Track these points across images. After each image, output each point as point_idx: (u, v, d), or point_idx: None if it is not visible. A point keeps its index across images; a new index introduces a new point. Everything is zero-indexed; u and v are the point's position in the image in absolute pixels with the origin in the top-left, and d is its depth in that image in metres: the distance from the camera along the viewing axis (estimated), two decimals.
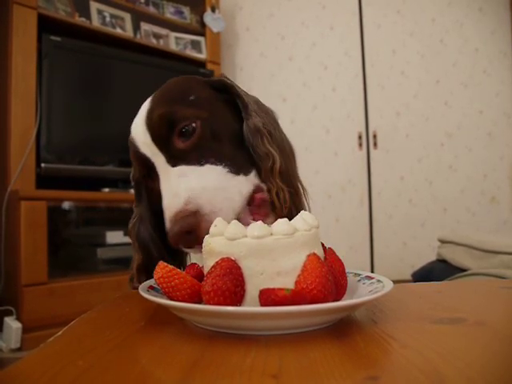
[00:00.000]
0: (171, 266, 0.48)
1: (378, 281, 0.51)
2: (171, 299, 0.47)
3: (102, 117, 2.42)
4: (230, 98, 0.71)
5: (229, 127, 0.69)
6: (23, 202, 1.90)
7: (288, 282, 0.45)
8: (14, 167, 1.99)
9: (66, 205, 2.18)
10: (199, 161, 0.62)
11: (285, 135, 0.76)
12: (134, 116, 0.69)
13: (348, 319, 0.46)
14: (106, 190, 2.30)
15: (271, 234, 0.46)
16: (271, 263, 0.45)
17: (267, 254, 0.45)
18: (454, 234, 1.89)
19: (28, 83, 2.06)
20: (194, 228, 0.56)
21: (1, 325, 1.91)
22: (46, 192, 2.03)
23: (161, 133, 0.63)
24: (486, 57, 3.17)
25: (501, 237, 1.70)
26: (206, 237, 0.50)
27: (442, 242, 1.89)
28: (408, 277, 2.06)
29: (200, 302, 0.46)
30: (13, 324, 1.84)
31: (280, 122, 0.78)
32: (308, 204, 0.75)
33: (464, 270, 1.55)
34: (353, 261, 3.01)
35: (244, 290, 0.45)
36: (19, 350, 1.84)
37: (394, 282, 0.49)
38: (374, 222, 3.13)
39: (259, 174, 0.66)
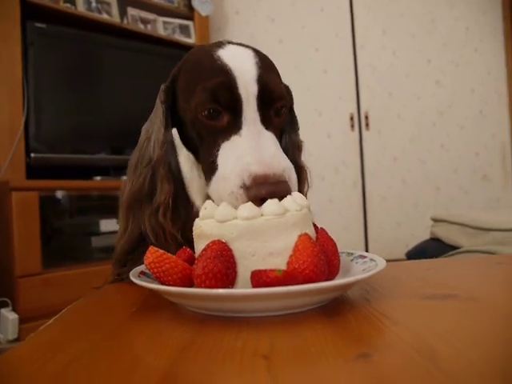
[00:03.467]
0: (161, 251, 0.48)
1: (371, 259, 0.51)
2: (163, 284, 0.47)
3: (91, 104, 2.39)
4: None
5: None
6: (14, 192, 1.88)
7: (280, 263, 0.45)
8: (3, 158, 1.96)
9: (59, 194, 2.16)
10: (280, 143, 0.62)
11: None
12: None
13: (341, 298, 0.46)
14: (98, 178, 2.28)
15: (262, 215, 0.46)
16: (262, 244, 0.45)
17: (258, 235, 0.45)
18: (447, 212, 1.90)
19: (14, 72, 2.02)
20: (283, 196, 0.53)
21: None
22: (37, 182, 2.00)
23: (267, 95, 0.61)
24: (477, 35, 3.15)
25: (493, 214, 1.71)
26: (197, 220, 0.50)
27: (435, 220, 1.90)
28: (402, 256, 2.08)
29: (192, 285, 0.46)
30: (9, 315, 1.83)
31: None
32: None
33: (457, 248, 1.56)
34: (347, 242, 3.02)
35: (235, 272, 0.45)
36: (17, 340, 1.84)
37: (389, 261, 0.49)
38: (368, 203, 3.13)
39: None
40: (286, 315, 0.41)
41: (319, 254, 0.44)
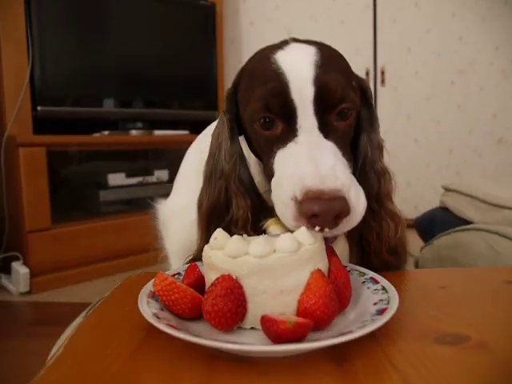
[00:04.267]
0: (170, 279, 0.47)
1: (383, 289, 0.50)
2: (172, 312, 0.47)
3: (98, 54, 2.31)
4: None
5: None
6: (21, 148, 1.87)
7: (291, 301, 0.44)
8: (10, 112, 1.93)
9: (66, 149, 2.14)
10: (341, 151, 0.58)
11: None
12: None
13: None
14: (106, 132, 2.25)
15: (274, 251, 0.44)
16: (274, 282, 0.44)
17: (270, 272, 0.44)
18: (459, 183, 1.87)
19: (17, 21, 1.94)
20: (341, 215, 0.50)
21: (9, 270, 1.96)
22: (44, 137, 1.98)
23: (326, 98, 0.58)
24: None
25: (507, 189, 1.68)
26: (206, 247, 0.49)
27: (446, 189, 1.87)
28: (410, 216, 2.07)
29: (201, 314, 0.45)
30: (20, 269, 1.88)
31: None
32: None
33: (466, 221, 1.55)
34: None
35: (246, 309, 0.44)
36: (28, 293, 1.90)
37: None
38: None
39: None
40: (294, 357, 0.41)
41: (331, 294, 0.43)
